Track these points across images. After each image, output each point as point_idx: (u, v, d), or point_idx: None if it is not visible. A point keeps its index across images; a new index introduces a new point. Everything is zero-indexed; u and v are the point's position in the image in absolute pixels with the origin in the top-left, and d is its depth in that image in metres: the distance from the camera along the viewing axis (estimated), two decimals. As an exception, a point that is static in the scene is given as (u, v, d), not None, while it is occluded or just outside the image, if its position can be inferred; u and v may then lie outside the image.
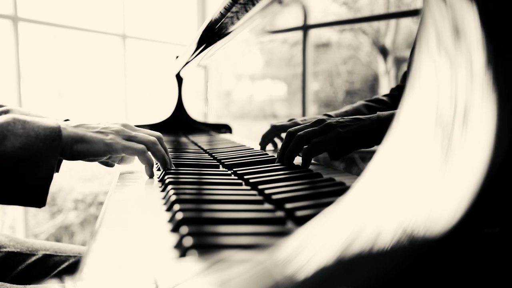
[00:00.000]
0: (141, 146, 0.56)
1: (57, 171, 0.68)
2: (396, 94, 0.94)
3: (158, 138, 0.61)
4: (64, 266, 0.73)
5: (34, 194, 0.49)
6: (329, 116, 0.84)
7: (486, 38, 0.16)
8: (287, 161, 0.62)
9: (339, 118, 0.62)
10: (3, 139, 0.47)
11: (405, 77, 0.97)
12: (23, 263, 0.71)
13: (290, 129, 0.65)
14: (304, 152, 0.60)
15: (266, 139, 0.90)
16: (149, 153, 0.58)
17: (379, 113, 0.61)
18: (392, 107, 0.89)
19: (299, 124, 0.85)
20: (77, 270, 0.71)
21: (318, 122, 0.62)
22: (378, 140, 0.59)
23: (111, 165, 0.69)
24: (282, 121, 0.92)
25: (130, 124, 0.61)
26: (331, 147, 0.59)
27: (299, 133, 0.61)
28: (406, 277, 0.15)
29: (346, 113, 0.87)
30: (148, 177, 0.59)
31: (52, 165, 0.49)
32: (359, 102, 0.91)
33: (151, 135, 0.60)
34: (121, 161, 0.67)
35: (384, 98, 0.92)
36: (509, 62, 0.16)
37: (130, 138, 0.57)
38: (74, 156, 0.54)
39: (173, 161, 0.67)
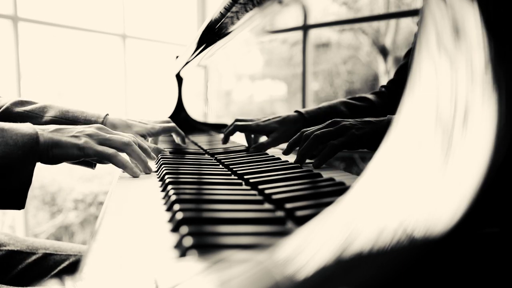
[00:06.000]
0: (112, 151, 0.56)
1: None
2: (384, 91, 0.91)
3: (150, 132, 0.61)
4: (64, 265, 0.73)
5: (14, 198, 0.50)
6: (300, 112, 0.83)
7: (487, 38, 0.16)
8: (301, 159, 0.62)
9: (352, 120, 0.62)
10: None
11: (400, 70, 0.93)
12: (23, 262, 0.72)
13: (306, 131, 0.64)
14: (322, 154, 0.60)
15: (228, 137, 0.91)
16: (121, 156, 0.57)
17: (389, 116, 0.62)
18: (379, 105, 0.87)
19: (261, 122, 0.85)
20: (77, 269, 0.71)
21: (333, 123, 0.63)
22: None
23: (92, 166, 0.70)
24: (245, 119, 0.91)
25: (105, 127, 0.61)
26: (347, 149, 0.60)
27: (315, 133, 0.61)
28: (406, 277, 0.15)
29: (320, 110, 0.84)
30: (133, 176, 0.59)
31: (30, 170, 0.50)
32: (338, 100, 0.88)
33: (126, 136, 0.60)
34: (98, 161, 0.67)
35: (370, 96, 0.89)
36: (509, 62, 0.16)
37: (104, 141, 0.57)
38: (51, 160, 0.55)
39: (173, 161, 0.68)
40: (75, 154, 0.54)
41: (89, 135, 0.57)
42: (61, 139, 0.54)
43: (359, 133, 0.59)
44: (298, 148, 0.66)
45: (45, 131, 0.55)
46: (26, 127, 0.52)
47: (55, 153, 0.54)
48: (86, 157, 0.55)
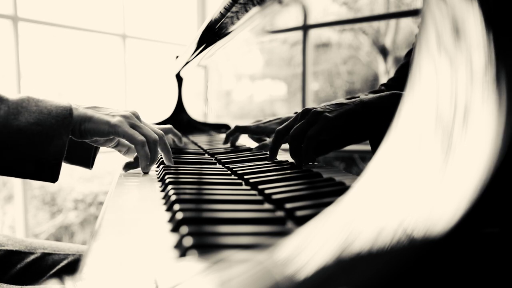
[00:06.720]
0: (142, 138, 0.57)
1: (91, 167, 0.70)
2: (384, 89, 0.91)
3: (160, 137, 0.62)
4: (63, 264, 0.73)
5: (47, 168, 0.52)
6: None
7: (488, 36, 0.16)
8: (297, 161, 0.61)
9: (322, 105, 0.60)
10: (17, 114, 0.50)
11: (401, 69, 0.93)
12: (22, 261, 0.72)
13: (279, 128, 0.63)
14: (303, 151, 0.59)
15: (229, 137, 0.93)
16: (147, 147, 0.58)
17: (362, 97, 0.60)
18: None
19: (263, 124, 0.87)
20: (76, 269, 0.71)
21: (304, 114, 0.61)
22: (362, 125, 0.58)
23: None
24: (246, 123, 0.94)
25: (139, 115, 0.63)
26: (326, 134, 0.58)
27: (291, 133, 0.60)
28: (406, 277, 0.15)
29: None
30: (142, 171, 0.61)
31: (64, 140, 0.52)
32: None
33: (155, 132, 0.61)
34: (127, 152, 0.68)
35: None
36: (509, 61, 0.16)
37: (135, 127, 0.59)
38: (82, 134, 0.57)
39: (173, 160, 0.68)
40: (106, 130, 0.56)
41: (124, 116, 0.58)
42: (94, 115, 0.56)
43: (332, 115, 0.58)
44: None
45: (80, 107, 0.57)
46: (61, 100, 0.55)
47: (87, 127, 0.56)
48: (115, 135, 0.57)
